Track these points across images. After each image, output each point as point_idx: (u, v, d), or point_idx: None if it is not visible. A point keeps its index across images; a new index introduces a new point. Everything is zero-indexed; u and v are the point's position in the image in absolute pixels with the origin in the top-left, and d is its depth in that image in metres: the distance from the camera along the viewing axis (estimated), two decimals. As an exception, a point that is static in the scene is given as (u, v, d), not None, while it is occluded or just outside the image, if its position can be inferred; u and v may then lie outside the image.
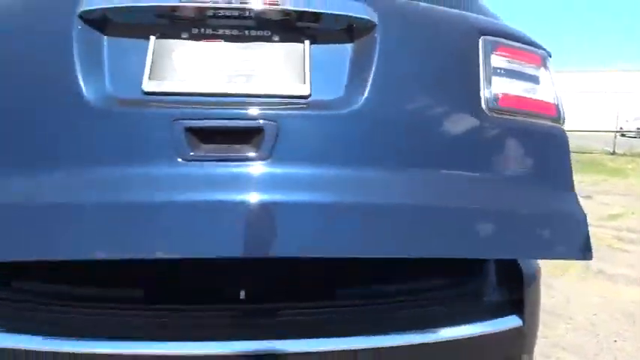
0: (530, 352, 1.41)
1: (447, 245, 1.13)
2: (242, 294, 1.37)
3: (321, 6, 1.18)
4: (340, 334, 1.24)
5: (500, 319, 1.35)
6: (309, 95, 1.15)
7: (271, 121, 1.09)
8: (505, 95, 1.23)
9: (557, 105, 1.31)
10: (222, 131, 1.10)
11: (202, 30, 1.18)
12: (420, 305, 1.40)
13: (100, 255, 1.05)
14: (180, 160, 1.06)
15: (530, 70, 1.29)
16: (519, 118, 1.24)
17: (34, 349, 1.16)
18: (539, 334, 2.79)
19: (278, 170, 1.08)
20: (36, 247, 1.03)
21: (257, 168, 1.08)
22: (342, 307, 1.36)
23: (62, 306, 1.31)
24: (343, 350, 1.21)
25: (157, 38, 1.16)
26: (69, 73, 1.09)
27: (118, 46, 1.16)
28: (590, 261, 4.07)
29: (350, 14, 1.18)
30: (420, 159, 1.17)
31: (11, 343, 1.17)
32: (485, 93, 1.21)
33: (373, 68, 1.16)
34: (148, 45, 1.15)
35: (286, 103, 1.15)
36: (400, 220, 1.11)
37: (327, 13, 1.19)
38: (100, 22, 1.15)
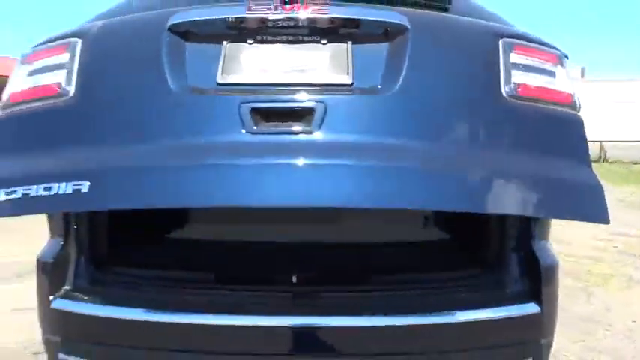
0: (548, 336, 1.56)
1: (465, 201, 1.31)
2: (294, 279, 1.63)
3: (362, 14, 1.47)
4: (383, 313, 1.47)
5: (520, 305, 1.52)
6: (352, 84, 1.41)
7: (320, 102, 1.34)
8: (524, 85, 1.44)
9: (573, 95, 1.49)
10: (280, 110, 1.36)
11: (264, 37, 1.48)
12: (450, 291, 1.61)
13: (189, 203, 1.34)
14: (245, 132, 1.32)
15: (546, 66, 1.49)
16: (537, 104, 1.43)
17: (137, 319, 1.50)
18: (577, 338, 2.90)
19: (326, 139, 1.32)
20: (142, 198, 1.31)
21: (309, 138, 1.32)
22: (386, 291, 1.60)
23: (157, 286, 1.62)
24: (388, 326, 1.46)
25: (228, 43, 1.46)
26: (159, 70, 1.41)
27: (197, 49, 1.48)
28: (634, 271, 4.06)
29: (386, 20, 1.46)
30: (446, 133, 1.38)
31: (120, 314, 1.51)
32: (505, 83, 1.42)
33: (406, 62, 1.41)
34: (221, 48, 1.45)
35: (333, 90, 1.40)
36: (425, 179, 1.31)
37: (367, 20, 1.47)
38: (183, 32, 1.48)
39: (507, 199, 1.32)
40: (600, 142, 16.19)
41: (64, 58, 1.48)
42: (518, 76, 1.43)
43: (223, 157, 1.29)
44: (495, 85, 1.41)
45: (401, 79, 1.38)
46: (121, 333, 1.54)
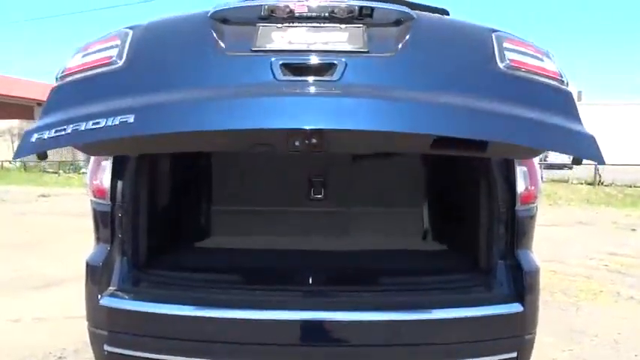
0: (531, 333, 1.80)
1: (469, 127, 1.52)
2: (310, 280, 1.89)
3: (376, 5, 1.78)
4: (382, 309, 1.72)
5: (505, 305, 1.77)
6: (368, 51, 1.69)
7: (341, 59, 1.61)
8: (517, 61, 1.70)
9: (561, 74, 1.74)
10: (306, 65, 1.62)
11: (292, 21, 1.75)
12: (446, 292, 1.86)
13: (234, 125, 1.54)
14: (275, 79, 1.58)
15: (534, 54, 1.76)
16: (530, 75, 1.69)
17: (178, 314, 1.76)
18: (565, 347, 3.10)
19: (345, 85, 1.58)
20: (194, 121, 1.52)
21: (332, 84, 1.58)
22: (385, 291, 1.85)
23: (189, 286, 1.88)
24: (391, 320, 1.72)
25: (261, 26, 1.75)
26: (207, 43, 1.70)
27: (234, 30, 1.76)
28: (622, 288, 4.26)
29: (397, 10, 1.78)
30: (446, 82, 1.65)
31: (160, 310, 1.77)
32: (500, 60, 1.69)
33: (410, 38, 1.70)
34: (254, 29, 1.73)
35: (351, 54, 1.67)
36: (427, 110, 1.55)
37: (381, 9, 1.78)
38: (221, 18, 1.77)
39: (498, 128, 1.54)
40: (595, 164, 16.48)
41: (117, 42, 1.75)
42: (510, 56, 1.71)
43: (261, 95, 1.55)
44: (492, 59, 1.69)
45: (406, 48, 1.67)
46: (160, 326, 1.78)
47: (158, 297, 1.83)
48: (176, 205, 2.41)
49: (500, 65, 1.67)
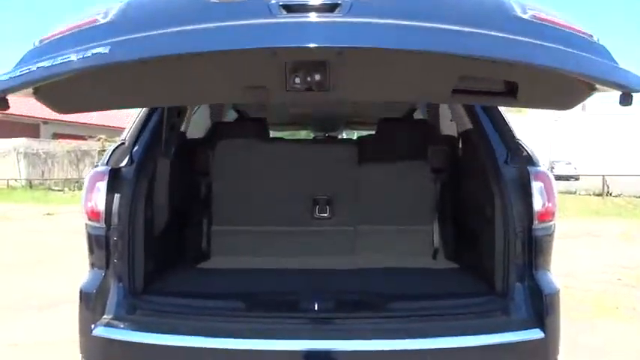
0: (553, 359, 1.69)
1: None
2: (315, 306, 1.79)
3: None
4: (393, 337, 1.62)
5: (525, 331, 1.66)
6: None
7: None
8: (540, 14, 1.58)
9: (587, 31, 1.60)
10: (306, 5, 1.48)
11: None
12: (462, 318, 1.75)
13: (221, 46, 1.43)
14: (277, 14, 1.43)
15: (558, 15, 1.64)
16: (557, 27, 1.56)
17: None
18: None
19: (352, 17, 1.42)
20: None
21: (338, 18, 1.43)
22: (395, 318, 1.74)
23: (189, 314, 1.78)
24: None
25: None
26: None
27: None
28: (637, 303, 4.12)
29: None
30: (471, 20, 1.50)
31: (158, 341, 1.67)
32: (522, 12, 1.55)
33: None
34: None
35: None
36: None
37: None
38: None
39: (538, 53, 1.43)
40: (603, 175, 16.32)
41: (106, 9, 1.63)
42: (533, 12, 1.58)
43: (266, 24, 1.43)
44: (513, 10, 1.56)
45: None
46: (158, 358, 1.68)
47: (155, 326, 1.73)
48: (174, 227, 2.32)
49: (524, 16, 1.56)
